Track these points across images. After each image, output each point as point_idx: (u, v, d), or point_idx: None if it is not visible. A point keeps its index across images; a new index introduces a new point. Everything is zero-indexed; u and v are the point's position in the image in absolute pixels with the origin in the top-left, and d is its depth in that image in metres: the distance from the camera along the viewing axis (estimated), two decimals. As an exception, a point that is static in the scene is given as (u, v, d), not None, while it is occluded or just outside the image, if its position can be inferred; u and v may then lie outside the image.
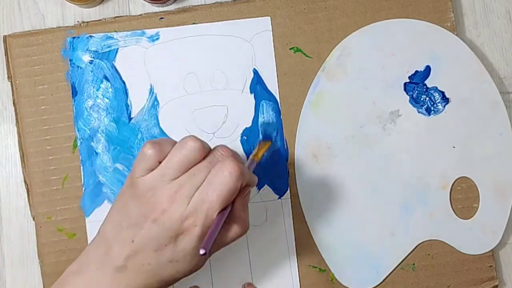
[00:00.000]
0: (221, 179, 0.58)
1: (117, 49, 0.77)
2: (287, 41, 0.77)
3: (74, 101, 0.76)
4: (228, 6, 0.77)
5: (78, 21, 0.77)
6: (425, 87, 0.77)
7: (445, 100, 0.77)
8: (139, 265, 0.59)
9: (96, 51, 0.76)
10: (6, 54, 0.76)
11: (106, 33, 0.77)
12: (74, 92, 0.76)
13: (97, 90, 0.76)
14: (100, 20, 0.77)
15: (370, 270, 0.76)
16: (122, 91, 0.76)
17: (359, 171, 0.77)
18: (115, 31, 0.77)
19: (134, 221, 0.59)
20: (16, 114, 0.76)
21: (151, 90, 0.77)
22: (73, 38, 0.76)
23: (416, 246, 0.76)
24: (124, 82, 0.76)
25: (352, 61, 0.77)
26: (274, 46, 0.77)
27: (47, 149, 0.76)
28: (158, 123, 0.76)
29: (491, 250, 0.76)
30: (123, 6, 0.79)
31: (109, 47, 0.77)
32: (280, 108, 0.77)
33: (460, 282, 0.76)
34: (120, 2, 0.79)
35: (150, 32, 0.77)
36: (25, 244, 0.77)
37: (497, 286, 0.77)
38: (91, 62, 0.76)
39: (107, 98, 0.76)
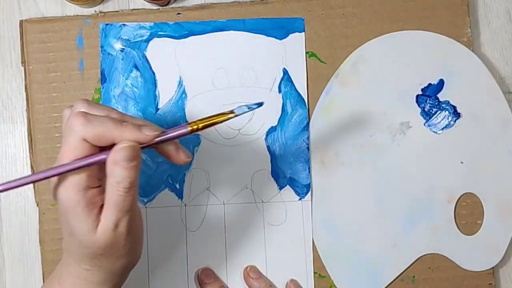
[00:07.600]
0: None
1: (149, 39, 0.76)
2: (303, 45, 0.78)
3: (103, 88, 0.76)
4: (246, 6, 0.77)
5: (95, 11, 0.77)
6: (437, 100, 0.77)
7: (456, 115, 0.77)
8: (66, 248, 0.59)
9: (128, 40, 0.76)
10: (21, 38, 0.76)
11: (139, 23, 0.76)
12: (103, 79, 0.76)
13: (126, 78, 0.76)
14: (118, 11, 0.77)
15: (369, 279, 0.76)
16: (151, 81, 0.76)
17: (365, 180, 0.77)
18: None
19: None
20: (27, 100, 0.76)
21: (180, 83, 0.76)
22: (106, 25, 0.76)
23: (418, 259, 0.76)
24: (153, 73, 0.76)
25: (366, 69, 0.77)
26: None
27: (56, 136, 0.75)
28: (185, 116, 0.76)
29: (492, 267, 0.76)
30: (123, 6, 0.79)
31: (141, 36, 0.76)
32: (308, 109, 0.77)
33: (459, 298, 0.77)
34: (120, 2, 0.79)
35: (183, 24, 0.77)
36: (25, 243, 0.77)
37: (495, 304, 0.77)
38: (122, 50, 0.76)
39: (135, 87, 0.76)
